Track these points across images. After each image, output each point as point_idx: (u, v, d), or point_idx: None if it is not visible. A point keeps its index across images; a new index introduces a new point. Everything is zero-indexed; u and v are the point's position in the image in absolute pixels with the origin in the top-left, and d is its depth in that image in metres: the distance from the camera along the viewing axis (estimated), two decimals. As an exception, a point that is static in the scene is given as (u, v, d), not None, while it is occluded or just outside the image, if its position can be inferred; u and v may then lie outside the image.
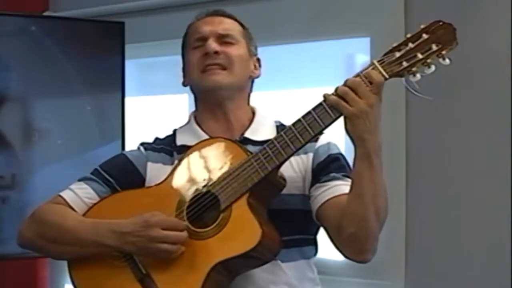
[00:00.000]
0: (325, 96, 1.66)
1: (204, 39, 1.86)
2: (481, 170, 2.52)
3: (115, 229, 1.72)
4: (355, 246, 1.71)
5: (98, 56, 3.04)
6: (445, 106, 2.47)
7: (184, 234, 1.69)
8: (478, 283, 2.51)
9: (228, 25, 1.89)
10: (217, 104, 1.86)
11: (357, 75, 1.64)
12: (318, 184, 1.78)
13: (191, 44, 1.89)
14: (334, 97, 1.64)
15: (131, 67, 3.24)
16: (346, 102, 1.62)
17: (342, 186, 1.74)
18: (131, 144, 2.68)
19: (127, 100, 3.08)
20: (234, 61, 1.84)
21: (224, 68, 1.84)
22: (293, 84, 2.97)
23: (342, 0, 2.82)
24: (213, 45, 1.84)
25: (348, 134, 1.65)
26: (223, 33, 1.87)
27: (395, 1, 2.68)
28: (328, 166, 1.79)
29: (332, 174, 1.77)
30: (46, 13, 3.40)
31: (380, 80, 1.61)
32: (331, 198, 1.74)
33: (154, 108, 3.45)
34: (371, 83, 1.62)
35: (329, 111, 1.65)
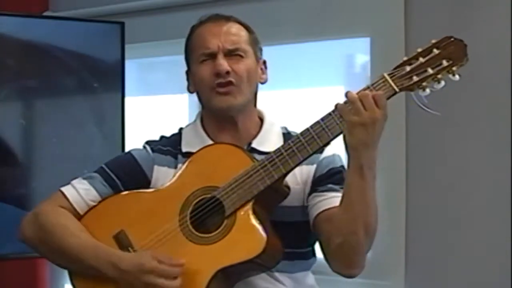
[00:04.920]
0: (336, 105, 1.66)
1: (213, 54, 1.82)
2: (481, 170, 2.52)
3: (115, 263, 1.71)
4: (341, 258, 1.71)
5: (98, 56, 3.03)
6: (445, 106, 2.47)
7: (177, 282, 1.66)
8: (478, 283, 2.51)
9: (235, 37, 1.85)
10: (228, 119, 1.85)
11: (367, 88, 1.64)
12: (314, 194, 1.78)
13: (198, 57, 1.85)
14: (342, 104, 1.64)
15: (131, 67, 3.24)
16: (352, 110, 1.62)
17: (338, 198, 1.73)
18: (131, 144, 2.68)
19: (127, 100, 3.08)
20: (244, 79, 1.82)
21: (235, 86, 1.81)
22: (293, 84, 2.97)
23: (342, 0, 2.82)
24: (224, 65, 1.80)
25: (344, 143, 1.65)
26: (231, 48, 1.83)
27: (395, 1, 2.68)
28: (328, 178, 1.78)
29: (330, 185, 1.76)
30: (46, 13, 3.40)
31: (383, 102, 1.62)
32: (325, 210, 1.74)
33: (154, 108, 3.45)
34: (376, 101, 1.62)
35: (338, 122, 1.65)
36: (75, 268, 1.79)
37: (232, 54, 1.83)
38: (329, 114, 1.66)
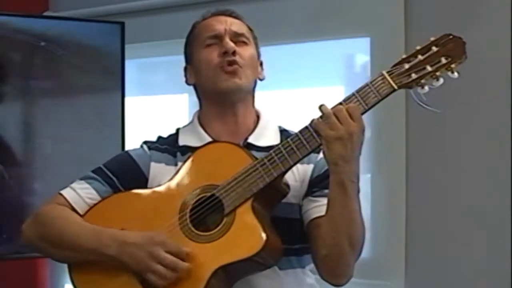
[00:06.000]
0: (311, 120, 1.66)
1: (219, 37, 1.84)
2: (481, 170, 2.53)
3: (117, 238, 1.71)
4: (327, 268, 1.72)
5: (98, 56, 3.04)
6: (445, 106, 2.47)
7: (185, 264, 1.66)
8: (478, 283, 2.51)
9: (240, 25, 1.88)
10: (230, 106, 1.84)
11: (366, 85, 1.64)
12: (310, 197, 1.78)
13: (203, 41, 1.85)
14: (316, 120, 1.64)
15: (131, 67, 3.24)
16: (327, 124, 1.62)
17: None
18: (131, 144, 2.68)
19: (127, 100, 3.08)
20: (248, 62, 1.83)
21: (240, 67, 1.81)
22: (293, 84, 2.97)
23: (342, 0, 2.83)
24: (231, 44, 1.82)
25: (324, 157, 1.65)
26: (238, 32, 1.85)
27: (395, 1, 2.68)
28: (324, 180, 1.76)
29: (326, 191, 1.73)
30: (46, 13, 3.40)
31: (356, 113, 1.62)
32: (316, 218, 1.74)
33: (154, 108, 3.45)
34: (366, 105, 1.63)
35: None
36: (76, 257, 1.77)
37: (237, 38, 1.84)
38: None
